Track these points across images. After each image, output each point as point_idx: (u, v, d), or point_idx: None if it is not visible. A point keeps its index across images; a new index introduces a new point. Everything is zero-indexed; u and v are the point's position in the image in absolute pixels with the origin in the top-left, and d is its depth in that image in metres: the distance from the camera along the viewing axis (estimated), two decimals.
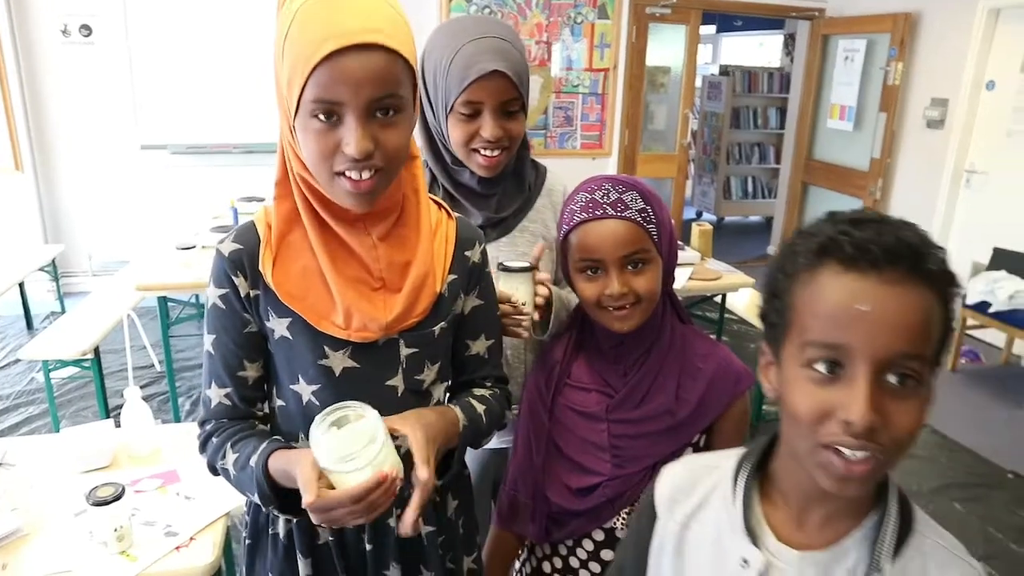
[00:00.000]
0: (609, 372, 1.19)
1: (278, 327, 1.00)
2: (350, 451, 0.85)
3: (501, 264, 1.22)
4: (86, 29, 4.85)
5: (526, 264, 1.23)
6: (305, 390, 1.03)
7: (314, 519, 0.87)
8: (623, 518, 1.18)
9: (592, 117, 5.93)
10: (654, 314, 1.16)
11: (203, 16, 4.97)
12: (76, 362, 3.10)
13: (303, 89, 0.85)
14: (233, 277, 0.99)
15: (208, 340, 1.03)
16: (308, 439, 0.89)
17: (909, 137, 5.43)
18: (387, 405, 1.00)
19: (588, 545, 1.22)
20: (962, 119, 4.95)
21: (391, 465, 0.88)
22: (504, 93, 1.25)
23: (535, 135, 5.81)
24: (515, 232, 1.40)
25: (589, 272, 1.14)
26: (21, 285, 4.48)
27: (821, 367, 0.66)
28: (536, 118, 5.79)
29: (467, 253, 1.09)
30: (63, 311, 4.69)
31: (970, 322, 4.36)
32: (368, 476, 0.85)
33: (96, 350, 3.12)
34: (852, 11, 5.92)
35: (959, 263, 4.10)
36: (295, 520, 1.04)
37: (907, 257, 0.64)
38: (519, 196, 1.41)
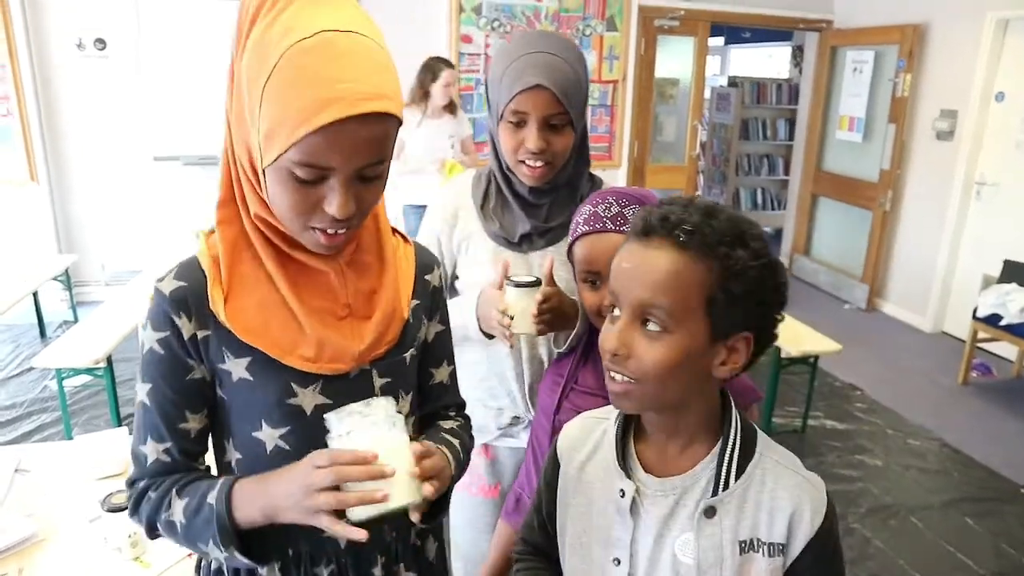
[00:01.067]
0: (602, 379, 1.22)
1: (235, 368, 0.90)
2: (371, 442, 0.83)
3: (508, 278, 1.25)
4: (101, 43, 4.91)
5: (533, 278, 1.24)
6: (271, 436, 0.92)
7: (303, 484, 0.81)
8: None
9: (601, 129, 5.96)
10: None
11: (215, 29, 5.03)
12: (89, 370, 3.13)
13: (287, 148, 0.77)
14: (175, 318, 0.88)
15: (143, 390, 0.91)
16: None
17: (918, 149, 5.43)
18: None
19: None
20: (972, 130, 4.94)
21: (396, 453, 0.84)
22: (548, 107, 1.28)
23: None
24: (563, 242, 1.39)
25: (590, 282, 1.18)
26: (35, 294, 4.52)
27: (613, 311, 0.87)
28: None
29: (427, 277, 1.06)
30: (76, 320, 4.73)
31: (981, 335, 4.33)
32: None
33: (109, 359, 3.15)
34: (860, 23, 5.93)
35: (969, 276, 4.13)
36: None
37: (660, 227, 0.82)
38: (570, 206, 1.41)
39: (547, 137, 1.30)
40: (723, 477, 0.86)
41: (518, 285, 1.23)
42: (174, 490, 0.90)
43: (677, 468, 0.90)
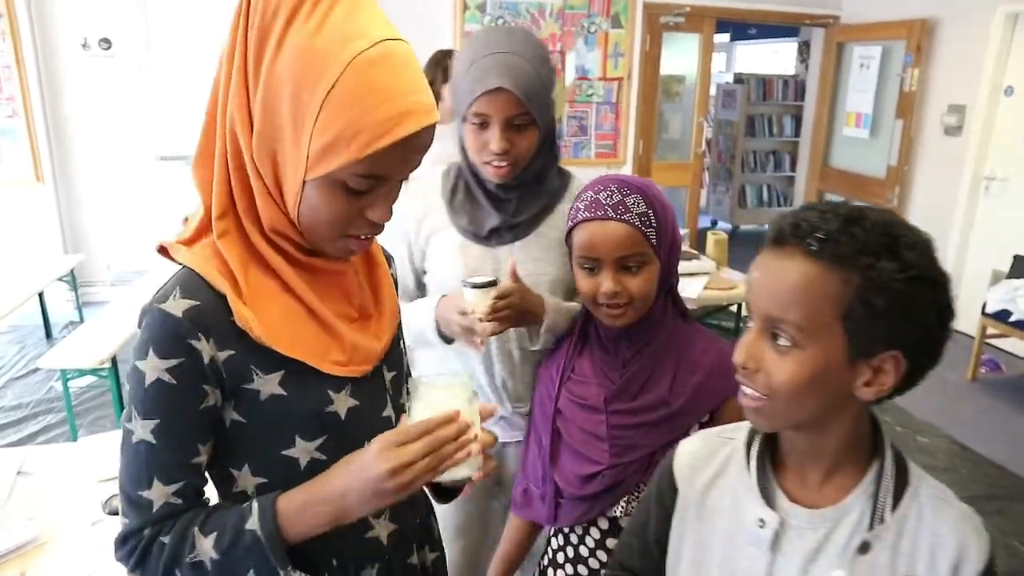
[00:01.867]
0: (608, 365, 1.24)
1: (265, 386, 0.85)
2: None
3: (464, 280, 1.26)
4: (106, 43, 4.91)
5: (489, 279, 1.25)
6: (306, 450, 0.88)
7: (387, 470, 0.78)
8: (623, 506, 1.23)
9: (606, 126, 5.93)
10: (652, 311, 1.20)
11: (220, 28, 5.02)
12: (94, 371, 3.13)
13: (354, 160, 0.77)
14: (192, 341, 0.79)
15: (144, 428, 0.80)
16: None
17: (926, 144, 5.39)
18: None
19: (595, 533, 1.27)
20: (980, 125, 4.90)
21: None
22: (509, 109, 1.28)
23: None
24: (531, 237, 1.42)
25: (587, 269, 1.18)
26: (41, 295, 4.53)
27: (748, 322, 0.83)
28: None
29: (392, 272, 1.07)
30: (82, 320, 4.73)
31: (990, 331, 4.30)
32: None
33: (114, 359, 3.15)
34: (867, 18, 5.89)
35: (979, 271, 4.09)
36: None
37: (792, 234, 0.76)
38: (538, 202, 1.42)
39: (510, 138, 1.30)
40: (879, 510, 0.79)
41: (475, 286, 1.24)
42: (194, 529, 0.82)
43: (824, 498, 0.82)
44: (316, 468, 0.87)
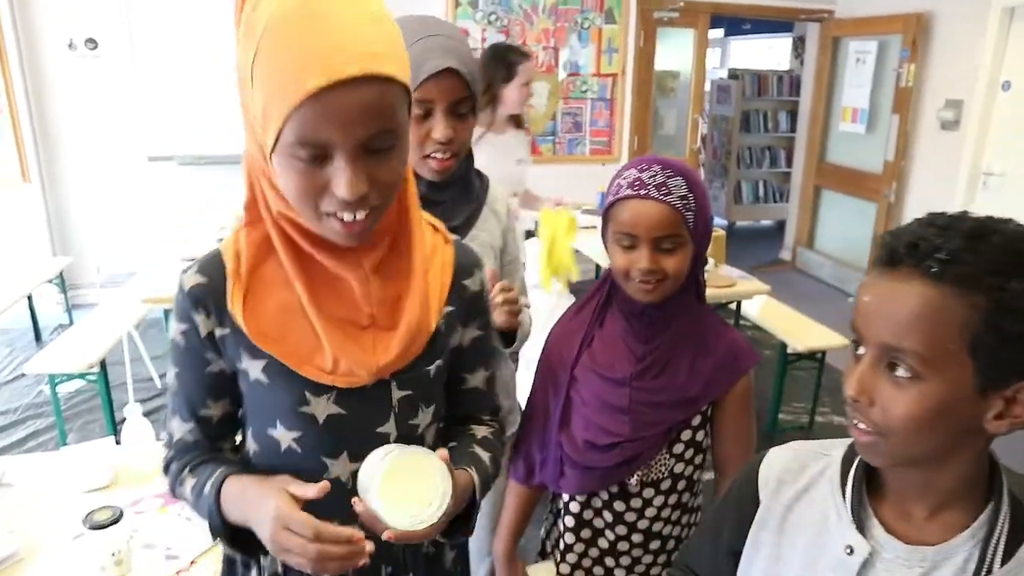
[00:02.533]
0: (632, 340, 1.25)
1: (252, 369, 0.90)
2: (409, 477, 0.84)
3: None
4: (92, 43, 4.84)
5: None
6: (285, 436, 0.92)
7: (270, 538, 0.81)
8: (638, 476, 1.27)
9: (601, 123, 5.89)
10: (682, 290, 1.22)
11: (208, 26, 4.96)
12: (82, 375, 3.07)
13: (281, 127, 0.73)
14: (194, 314, 0.88)
15: (171, 372, 0.95)
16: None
17: (923, 139, 5.36)
18: None
19: (603, 495, 1.31)
20: (977, 120, 4.87)
21: (401, 518, 0.84)
22: (455, 92, 1.21)
23: (543, 141, 5.78)
24: (466, 240, 1.35)
25: (624, 245, 1.19)
26: (29, 297, 4.46)
27: (858, 349, 0.74)
28: (544, 124, 5.75)
29: (465, 282, 1.00)
30: (71, 323, 4.67)
31: None
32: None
33: (103, 363, 3.10)
34: (862, 12, 5.86)
35: None
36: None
37: (908, 255, 0.68)
38: (467, 205, 1.36)
39: (454, 125, 1.22)
40: (988, 559, 0.71)
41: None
42: (187, 468, 0.95)
43: (927, 535, 0.75)
44: (293, 455, 0.92)
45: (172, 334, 0.92)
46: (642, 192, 1.15)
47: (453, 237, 1.02)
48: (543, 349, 1.37)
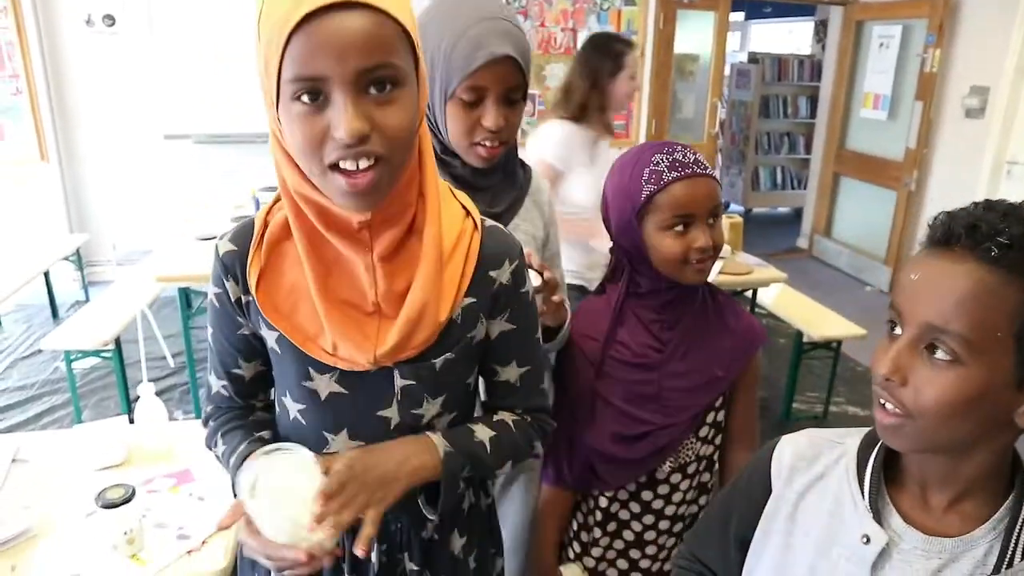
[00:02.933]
0: (657, 326, 1.25)
1: (268, 338, 0.94)
2: (281, 485, 0.83)
3: None
4: (110, 19, 4.84)
5: (536, 283, 1.14)
6: (292, 407, 0.96)
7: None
8: (670, 464, 1.28)
9: None
10: None
11: (226, 4, 4.94)
12: (97, 352, 3.09)
13: (280, 68, 0.73)
14: (225, 279, 0.93)
15: (209, 331, 1.00)
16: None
17: (947, 127, 5.26)
18: (378, 437, 0.94)
19: (631, 486, 1.30)
20: (1003, 108, 4.77)
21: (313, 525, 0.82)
22: (511, 79, 1.16)
23: None
24: (508, 229, 1.32)
25: (676, 229, 1.17)
26: (46, 274, 4.50)
27: (894, 329, 0.73)
28: None
29: (492, 273, 0.95)
30: (87, 300, 4.71)
31: None
32: (297, 520, 0.81)
33: (117, 341, 3.12)
34: None
35: None
36: None
37: (966, 236, 0.67)
38: (511, 191, 1.32)
39: (505, 114, 1.18)
40: (1009, 552, 0.71)
41: None
42: (220, 433, 1.01)
43: (946, 526, 0.74)
44: (298, 426, 0.96)
45: (209, 295, 0.96)
46: (687, 172, 1.15)
47: (489, 223, 0.98)
48: (565, 345, 1.34)
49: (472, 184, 1.25)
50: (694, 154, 1.17)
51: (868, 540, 0.76)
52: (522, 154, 1.38)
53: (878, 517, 0.77)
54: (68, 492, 1.52)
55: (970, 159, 5.03)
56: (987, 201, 0.71)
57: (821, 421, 3.63)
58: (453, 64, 1.13)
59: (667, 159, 1.16)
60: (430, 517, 0.96)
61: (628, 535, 1.34)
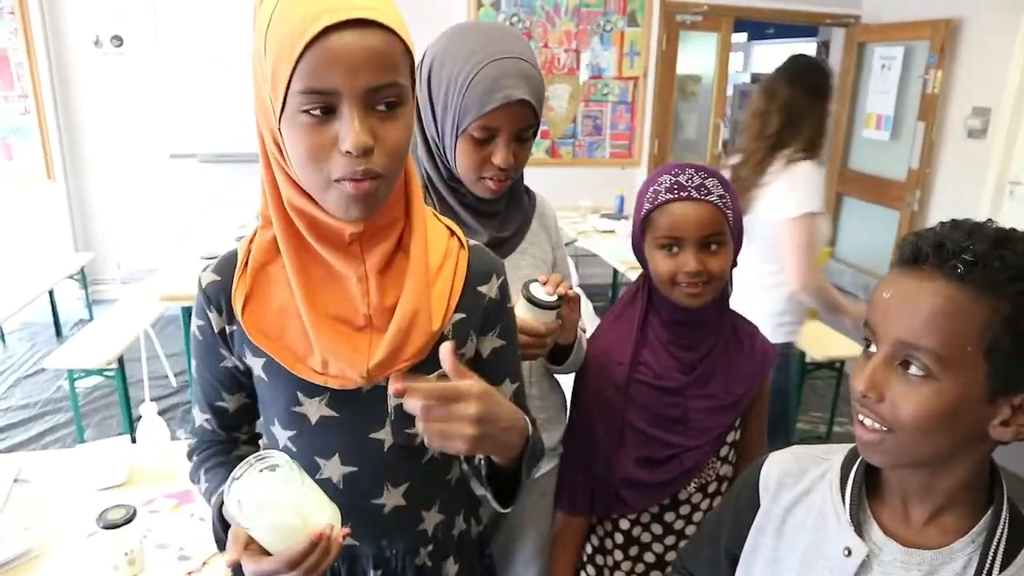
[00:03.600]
0: (677, 348, 1.26)
1: (254, 366, 0.93)
2: (266, 497, 0.78)
3: (530, 296, 1.14)
4: (117, 40, 4.89)
5: (555, 299, 1.15)
6: (281, 435, 0.95)
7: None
8: (695, 483, 1.28)
9: (621, 126, 5.86)
10: (720, 293, 1.24)
11: (232, 25, 4.99)
12: (100, 371, 3.09)
13: (290, 80, 0.74)
14: (208, 311, 0.92)
15: (192, 364, 1.00)
16: None
17: (949, 147, 5.28)
18: (371, 461, 0.93)
19: (653, 508, 1.30)
20: (1006, 129, 4.79)
21: (321, 511, 0.80)
22: (523, 121, 1.16)
23: (563, 144, 5.76)
24: (517, 254, 1.32)
25: (668, 249, 1.19)
26: (51, 293, 4.51)
27: (869, 347, 0.76)
28: (564, 127, 5.73)
29: (481, 288, 0.97)
30: (91, 319, 4.72)
31: None
32: (293, 524, 0.78)
33: (120, 360, 3.12)
34: (889, 18, 5.78)
35: None
36: None
37: (933, 255, 0.70)
38: (518, 216, 1.33)
39: (515, 151, 1.18)
40: (987, 565, 0.72)
41: (541, 305, 1.13)
42: (203, 469, 1.00)
43: (925, 538, 0.76)
44: (290, 454, 0.91)
45: (192, 327, 0.96)
46: (683, 194, 1.16)
47: (472, 242, 0.99)
48: (584, 369, 1.33)
49: (480, 210, 1.26)
50: (704, 179, 1.17)
51: (849, 553, 0.77)
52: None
53: (859, 530, 0.78)
54: (69, 512, 1.51)
55: (973, 179, 5.04)
56: (953, 220, 0.74)
57: (825, 441, 3.61)
58: (467, 101, 1.13)
59: (671, 180, 1.18)
60: (503, 510, 0.96)
61: (649, 557, 1.33)
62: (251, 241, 0.91)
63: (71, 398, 3.18)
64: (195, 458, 1.04)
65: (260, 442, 1.07)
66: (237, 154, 5.14)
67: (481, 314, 0.97)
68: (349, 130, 0.75)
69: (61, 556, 1.38)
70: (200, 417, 1.02)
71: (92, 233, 5.24)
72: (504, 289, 1.01)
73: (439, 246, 0.93)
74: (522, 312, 1.14)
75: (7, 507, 1.54)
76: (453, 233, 0.97)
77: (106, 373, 3.11)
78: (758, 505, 0.89)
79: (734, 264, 1.26)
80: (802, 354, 3.46)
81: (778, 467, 0.89)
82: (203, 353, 0.96)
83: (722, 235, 1.18)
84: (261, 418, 1.01)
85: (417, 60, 1.23)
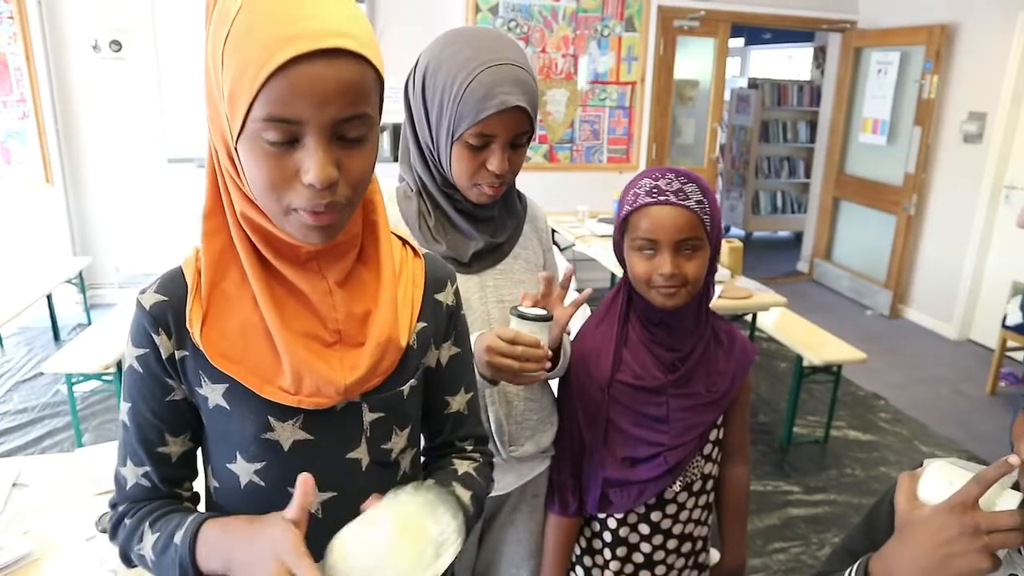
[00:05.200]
0: (657, 348, 1.28)
1: (212, 394, 0.83)
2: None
3: (518, 311, 1.14)
4: (116, 44, 4.90)
5: (544, 312, 1.15)
6: (245, 470, 0.85)
7: None
8: (680, 483, 1.30)
9: (619, 131, 5.88)
10: (700, 295, 1.26)
11: None
12: (98, 376, 3.10)
13: (251, 104, 0.69)
14: (154, 335, 0.81)
15: (123, 409, 0.86)
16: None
17: (945, 152, 5.30)
18: (349, 482, 0.88)
19: (640, 508, 1.32)
20: (1001, 133, 4.82)
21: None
22: (519, 127, 1.16)
23: (561, 149, 5.77)
24: (510, 258, 1.33)
25: (645, 251, 1.22)
26: (49, 297, 4.51)
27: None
28: (562, 132, 5.75)
29: (438, 296, 0.94)
30: (90, 323, 4.72)
31: (1010, 344, 4.22)
32: None
33: (119, 364, 3.12)
34: (885, 23, 5.82)
35: (998, 282, 4.00)
36: None
37: None
38: (512, 221, 1.34)
39: (510, 157, 1.18)
40: None
41: (529, 318, 1.13)
42: (147, 523, 0.85)
43: None
44: (255, 491, 0.85)
45: (127, 361, 0.84)
46: (661, 198, 1.19)
47: (423, 251, 0.97)
48: (568, 370, 1.34)
49: (474, 216, 1.27)
50: (684, 184, 1.19)
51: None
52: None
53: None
54: (68, 516, 1.52)
55: (969, 184, 5.07)
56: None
57: (822, 445, 3.63)
58: (463, 108, 1.13)
59: (651, 184, 1.21)
60: None
61: (638, 557, 1.34)
62: (197, 259, 0.83)
63: (69, 402, 3.18)
64: (127, 521, 0.87)
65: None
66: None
67: (440, 322, 0.95)
68: (313, 163, 0.70)
69: (60, 560, 1.39)
70: (134, 473, 0.86)
71: (90, 237, 5.24)
72: (458, 296, 0.99)
73: (396, 256, 0.90)
74: (527, 329, 1.13)
75: (6, 511, 1.54)
76: (405, 243, 0.94)
77: (104, 377, 3.11)
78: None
79: (714, 270, 1.28)
80: (799, 358, 3.47)
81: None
82: (143, 390, 0.84)
83: (698, 240, 1.20)
84: (211, 464, 0.90)
85: (410, 65, 1.25)
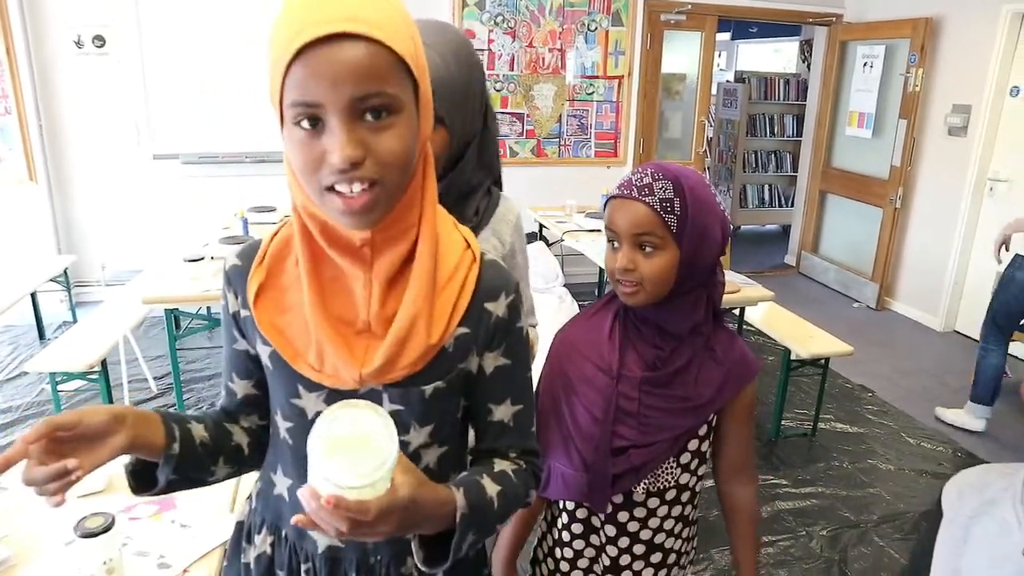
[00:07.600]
0: (640, 343, 1.26)
1: (263, 354, 0.95)
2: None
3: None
4: (100, 40, 4.85)
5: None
6: (282, 425, 0.97)
7: None
8: (645, 485, 1.28)
9: (606, 125, 5.87)
10: (693, 303, 1.23)
11: (215, 26, 4.96)
12: (83, 375, 3.07)
13: (282, 94, 0.76)
14: (228, 292, 0.97)
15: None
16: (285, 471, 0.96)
17: (930, 145, 5.32)
18: None
19: (606, 508, 1.30)
20: (985, 126, 4.84)
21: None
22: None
23: (549, 143, 5.76)
24: None
25: (611, 244, 1.22)
26: (33, 295, 4.47)
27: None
28: (550, 126, 5.74)
29: (488, 305, 0.94)
30: (75, 321, 4.68)
31: None
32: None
33: (104, 363, 3.10)
34: (871, 16, 5.83)
35: (982, 274, 4.02)
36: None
37: None
38: (462, 221, 1.32)
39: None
40: None
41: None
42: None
43: None
44: (286, 445, 0.96)
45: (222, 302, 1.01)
46: (625, 192, 1.18)
47: (489, 257, 0.97)
48: (548, 355, 1.34)
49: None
50: (656, 180, 1.16)
51: None
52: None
53: None
54: (47, 521, 1.50)
55: (953, 176, 5.09)
56: None
57: (810, 438, 3.64)
58: None
59: (625, 178, 1.21)
60: (426, 569, 0.89)
61: (604, 559, 1.33)
62: (275, 234, 0.94)
63: (53, 402, 3.15)
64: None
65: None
66: (220, 155, 5.12)
67: (485, 331, 0.94)
68: (335, 143, 0.76)
69: (39, 565, 1.37)
70: (223, 391, 1.05)
71: (75, 235, 5.19)
72: (513, 308, 0.97)
73: (451, 257, 0.92)
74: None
75: None
76: (469, 245, 0.95)
77: (89, 377, 3.09)
78: (942, 514, 0.90)
79: (708, 272, 1.23)
80: (787, 352, 3.48)
81: (962, 478, 0.92)
82: (225, 333, 1.01)
83: (658, 238, 1.16)
84: (270, 407, 1.01)
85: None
